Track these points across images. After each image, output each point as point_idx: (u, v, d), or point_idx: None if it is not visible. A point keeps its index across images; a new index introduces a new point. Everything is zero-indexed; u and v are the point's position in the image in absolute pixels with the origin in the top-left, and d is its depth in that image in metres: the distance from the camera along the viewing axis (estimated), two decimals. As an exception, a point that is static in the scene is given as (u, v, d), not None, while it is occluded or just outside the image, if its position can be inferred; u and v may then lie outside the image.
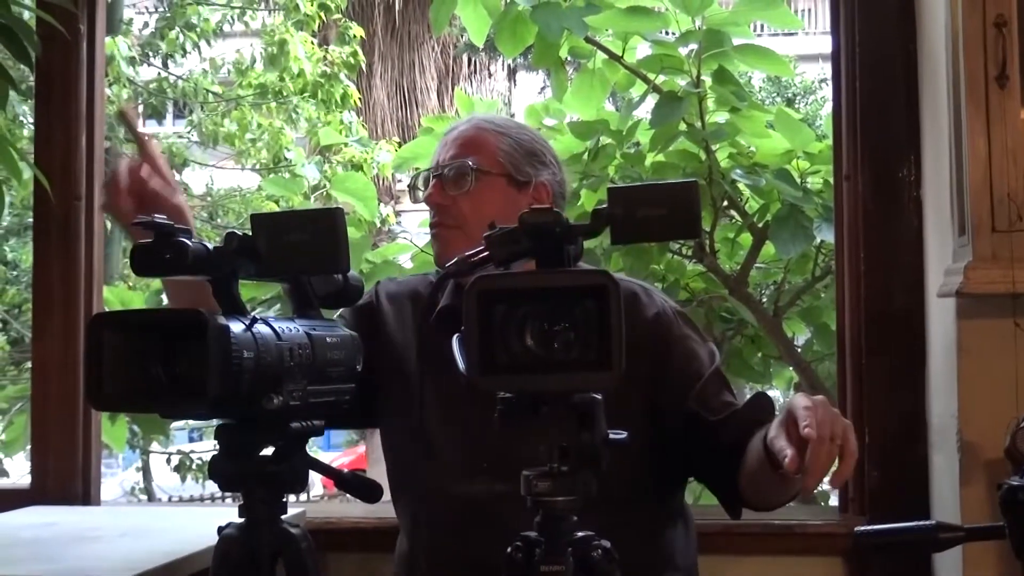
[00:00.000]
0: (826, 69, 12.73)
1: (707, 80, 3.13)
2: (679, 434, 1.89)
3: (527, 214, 1.27)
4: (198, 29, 8.59)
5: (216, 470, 1.37)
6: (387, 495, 2.01)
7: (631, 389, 1.86)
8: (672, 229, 1.33)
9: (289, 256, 1.31)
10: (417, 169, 3.06)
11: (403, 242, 3.45)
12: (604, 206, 1.29)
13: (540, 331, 1.21)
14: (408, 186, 2.08)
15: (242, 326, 1.28)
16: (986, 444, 1.95)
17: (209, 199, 9.72)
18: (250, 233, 1.33)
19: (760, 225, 3.16)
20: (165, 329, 1.27)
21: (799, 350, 3.41)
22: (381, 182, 10.01)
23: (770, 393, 2.24)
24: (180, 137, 9.23)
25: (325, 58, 8.43)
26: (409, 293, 2.05)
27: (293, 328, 1.37)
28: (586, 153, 3.23)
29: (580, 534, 1.30)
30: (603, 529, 1.32)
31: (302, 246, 1.31)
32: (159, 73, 8.85)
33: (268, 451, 1.40)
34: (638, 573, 1.61)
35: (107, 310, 2.89)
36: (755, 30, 3.49)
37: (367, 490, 1.89)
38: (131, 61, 7.85)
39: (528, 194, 1.93)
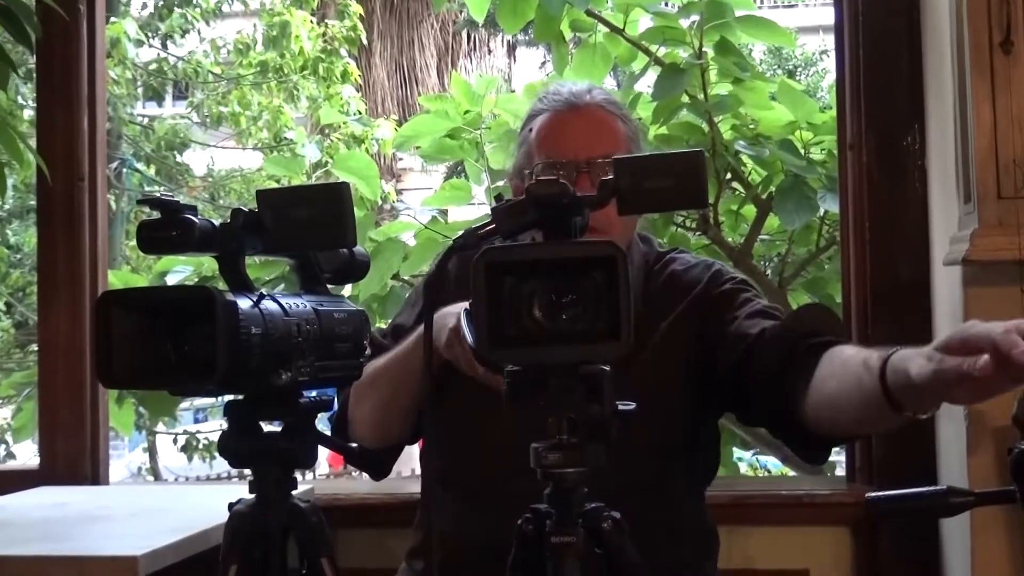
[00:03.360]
0: (827, 41, 12.69)
1: (709, 52, 3.11)
2: (727, 385, 1.77)
3: (534, 186, 1.26)
4: (199, 9, 8.57)
5: (226, 447, 1.38)
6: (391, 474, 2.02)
7: (678, 370, 1.83)
8: (679, 199, 1.33)
9: (295, 231, 1.31)
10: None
11: (406, 219, 3.45)
12: (611, 177, 1.28)
13: (548, 303, 1.21)
14: (518, 173, 1.90)
15: (249, 302, 1.28)
16: (993, 412, 1.95)
17: (210, 180, 9.71)
18: (256, 209, 1.33)
19: (764, 196, 3.15)
20: (173, 306, 1.27)
21: (804, 321, 3.40)
22: (382, 160, 10.00)
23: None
24: (182, 118, 9.21)
25: (325, 34, 8.40)
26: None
27: (300, 304, 1.37)
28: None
29: (590, 505, 1.30)
30: (631, 519, 1.32)
31: (308, 221, 1.30)
32: (159, 54, 8.83)
33: (276, 427, 1.41)
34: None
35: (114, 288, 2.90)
36: (756, 1, 3.47)
37: (375, 465, 1.90)
38: (137, 43, 7.84)
39: None
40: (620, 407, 1.27)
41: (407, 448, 1.97)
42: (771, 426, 1.76)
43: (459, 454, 1.83)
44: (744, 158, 3.17)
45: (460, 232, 1.34)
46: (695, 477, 1.94)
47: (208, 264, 3.22)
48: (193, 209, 1.30)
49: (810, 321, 1.71)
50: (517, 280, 1.21)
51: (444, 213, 3.59)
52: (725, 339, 1.78)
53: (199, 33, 8.73)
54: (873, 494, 1.25)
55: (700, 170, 1.29)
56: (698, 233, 3.29)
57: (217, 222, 1.33)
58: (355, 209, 1.36)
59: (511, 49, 15.11)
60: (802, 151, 3.08)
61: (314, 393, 1.42)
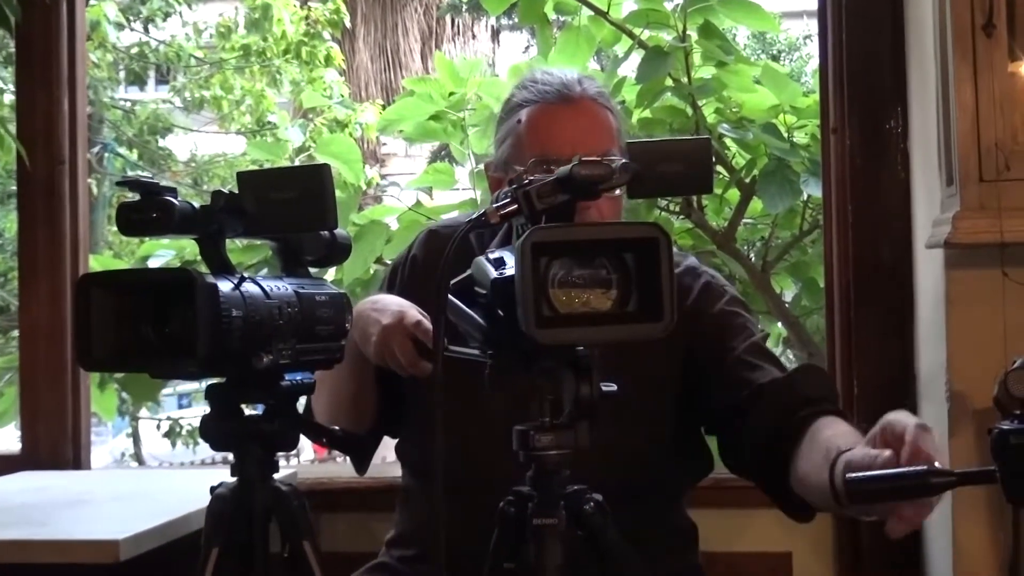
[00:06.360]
0: (811, 26, 12.68)
1: (693, 35, 3.11)
2: (717, 421, 1.78)
3: (580, 166, 1.23)
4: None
5: (207, 430, 1.38)
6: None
7: (665, 383, 1.80)
8: (688, 184, 1.35)
9: (276, 213, 1.31)
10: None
11: (389, 202, 3.44)
12: (626, 161, 1.28)
13: (588, 283, 1.21)
14: (503, 166, 1.79)
15: (231, 285, 1.27)
16: (975, 394, 1.96)
17: (193, 165, 9.66)
18: (236, 191, 1.33)
19: (747, 180, 3.15)
20: (154, 288, 1.27)
21: (787, 305, 3.42)
22: (366, 145, 9.96)
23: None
24: (164, 103, 9.16)
25: (308, 17, 8.36)
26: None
27: (282, 287, 1.37)
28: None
29: (572, 488, 1.30)
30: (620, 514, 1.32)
31: (289, 203, 1.30)
32: (140, 38, 8.77)
33: (258, 410, 1.40)
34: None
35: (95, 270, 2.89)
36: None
37: (357, 451, 1.89)
38: (118, 26, 7.78)
39: None
40: (604, 388, 1.27)
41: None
42: (762, 486, 1.73)
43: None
44: (728, 141, 3.18)
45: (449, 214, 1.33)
46: (683, 479, 1.93)
47: (191, 248, 3.21)
48: (173, 191, 1.30)
49: (805, 387, 1.70)
50: (558, 260, 1.19)
51: (428, 192, 3.58)
52: (722, 373, 1.75)
53: (181, 16, 8.67)
54: (853, 475, 1.25)
55: (709, 156, 1.33)
56: (681, 217, 3.29)
57: (197, 204, 1.32)
58: (337, 192, 1.35)
59: (495, 34, 15.04)
60: (785, 135, 3.09)
61: (297, 376, 1.41)
